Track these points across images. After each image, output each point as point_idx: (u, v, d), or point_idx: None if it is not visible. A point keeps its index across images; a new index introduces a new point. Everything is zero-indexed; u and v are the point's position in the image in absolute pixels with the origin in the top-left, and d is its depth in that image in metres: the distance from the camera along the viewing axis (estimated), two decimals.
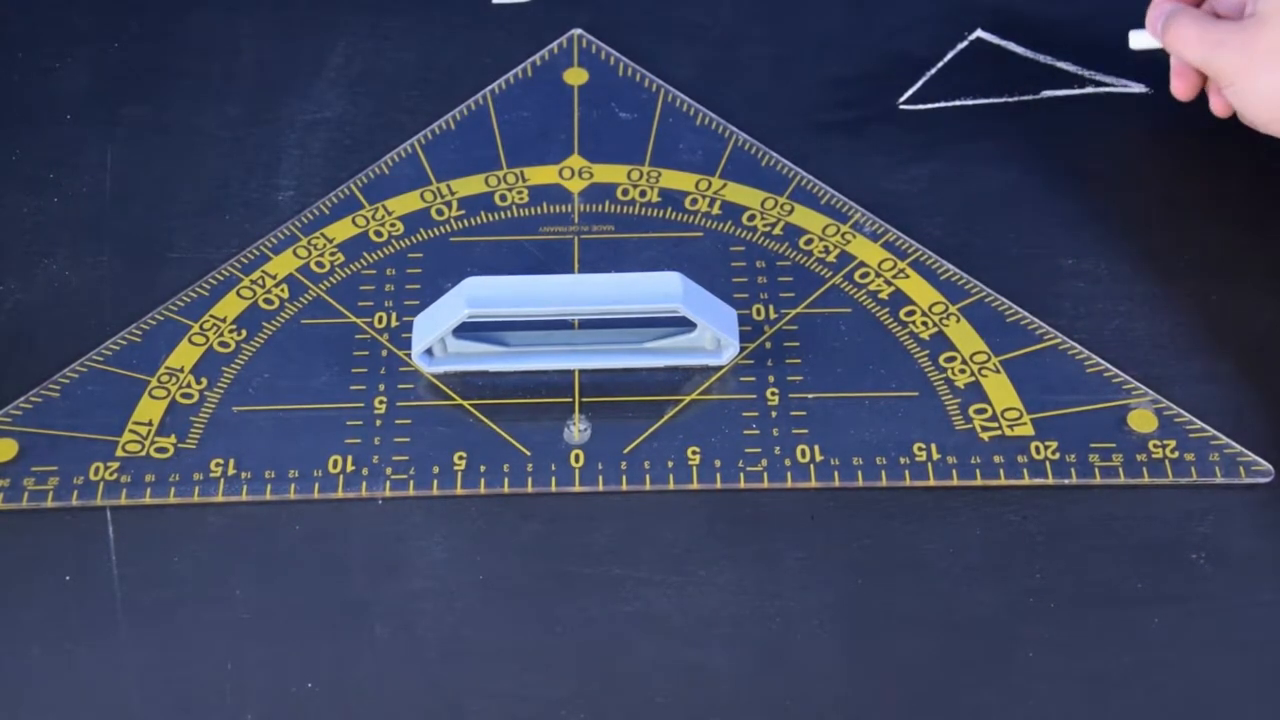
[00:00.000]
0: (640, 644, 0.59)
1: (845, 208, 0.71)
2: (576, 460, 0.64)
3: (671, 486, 0.63)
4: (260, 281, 0.69)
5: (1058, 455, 0.63)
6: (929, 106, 0.74)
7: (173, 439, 0.64)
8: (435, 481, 0.63)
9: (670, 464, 0.63)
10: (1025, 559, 0.61)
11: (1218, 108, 0.71)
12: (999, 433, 0.64)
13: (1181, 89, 0.71)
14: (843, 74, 0.77)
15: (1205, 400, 0.65)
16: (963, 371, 0.66)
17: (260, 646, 0.59)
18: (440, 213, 0.72)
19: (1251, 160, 0.73)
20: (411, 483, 0.63)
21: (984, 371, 0.66)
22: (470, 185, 0.73)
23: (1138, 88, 0.76)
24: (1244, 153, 0.73)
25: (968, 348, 0.67)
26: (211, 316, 0.68)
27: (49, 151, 0.74)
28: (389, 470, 0.63)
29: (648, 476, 0.63)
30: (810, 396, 0.65)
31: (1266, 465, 0.63)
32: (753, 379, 0.66)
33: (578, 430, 0.64)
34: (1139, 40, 0.72)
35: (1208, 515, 0.62)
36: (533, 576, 0.61)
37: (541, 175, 0.73)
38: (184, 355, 0.66)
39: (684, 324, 0.65)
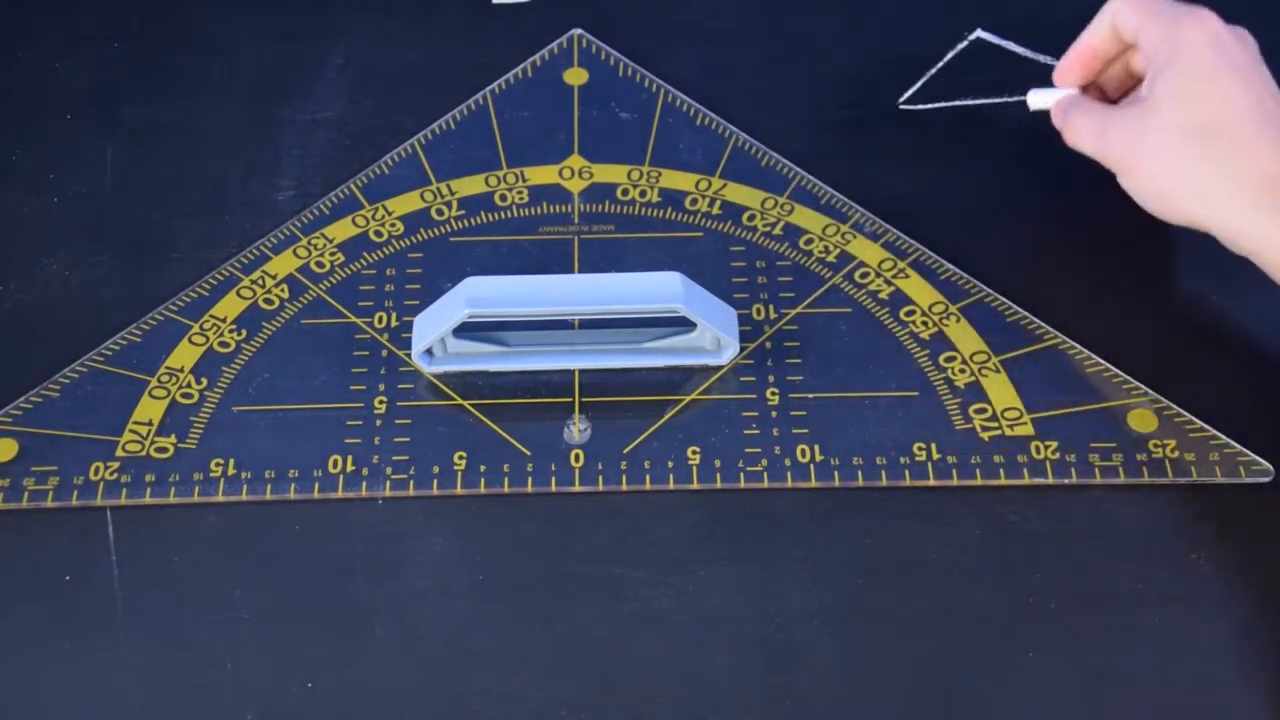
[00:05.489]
0: (640, 644, 0.59)
1: (845, 208, 0.71)
2: (576, 460, 0.64)
3: (671, 486, 0.63)
4: (260, 281, 0.69)
5: (1058, 455, 0.63)
6: (929, 106, 0.74)
7: (173, 439, 0.64)
8: (435, 481, 0.63)
9: (670, 464, 0.63)
10: (1025, 559, 0.61)
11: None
12: (999, 433, 0.64)
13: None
14: (843, 74, 0.77)
15: (1205, 400, 0.65)
16: (963, 371, 0.66)
17: (260, 646, 0.59)
18: (440, 213, 0.72)
19: None
20: (411, 483, 0.63)
21: (984, 371, 0.66)
22: (470, 185, 0.73)
23: None
24: None
25: (968, 347, 0.67)
26: (211, 316, 0.68)
27: (49, 151, 0.74)
28: (389, 470, 0.63)
29: (648, 476, 0.63)
30: (810, 396, 0.65)
31: (1266, 465, 0.63)
32: (753, 379, 0.66)
33: (578, 430, 0.64)
34: (1037, 100, 0.69)
35: (1208, 515, 0.62)
36: (533, 576, 0.61)
37: (541, 175, 0.73)
38: (184, 355, 0.66)
39: (684, 324, 0.65)
